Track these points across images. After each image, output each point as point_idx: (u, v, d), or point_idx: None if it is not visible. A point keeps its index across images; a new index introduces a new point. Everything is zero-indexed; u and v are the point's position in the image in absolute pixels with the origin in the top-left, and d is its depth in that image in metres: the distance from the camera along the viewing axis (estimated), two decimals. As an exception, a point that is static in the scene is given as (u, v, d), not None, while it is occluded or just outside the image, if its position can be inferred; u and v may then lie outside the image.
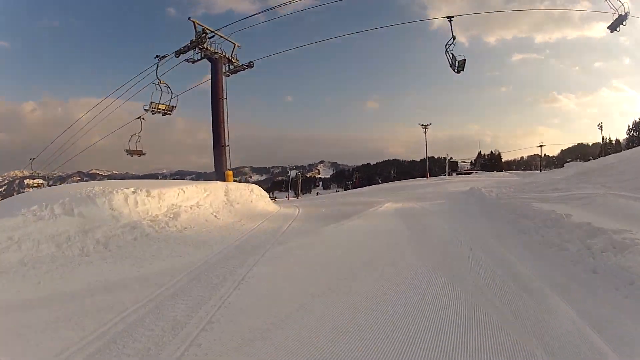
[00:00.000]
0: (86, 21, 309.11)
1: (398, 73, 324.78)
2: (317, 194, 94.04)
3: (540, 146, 76.86)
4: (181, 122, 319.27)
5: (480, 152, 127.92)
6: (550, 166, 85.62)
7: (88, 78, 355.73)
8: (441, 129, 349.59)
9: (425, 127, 61.97)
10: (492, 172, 69.13)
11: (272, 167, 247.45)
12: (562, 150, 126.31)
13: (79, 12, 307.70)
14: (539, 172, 65.86)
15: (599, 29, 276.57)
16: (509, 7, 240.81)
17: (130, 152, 28.05)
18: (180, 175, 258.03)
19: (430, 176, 60.65)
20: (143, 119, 27.55)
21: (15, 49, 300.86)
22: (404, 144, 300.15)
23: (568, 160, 76.31)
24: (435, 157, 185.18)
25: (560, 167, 33.94)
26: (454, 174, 65.99)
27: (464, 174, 61.31)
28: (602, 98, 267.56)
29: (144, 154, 28.48)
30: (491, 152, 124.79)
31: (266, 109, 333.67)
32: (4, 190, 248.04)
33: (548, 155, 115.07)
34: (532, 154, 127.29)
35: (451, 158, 68.96)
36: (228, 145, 25.23)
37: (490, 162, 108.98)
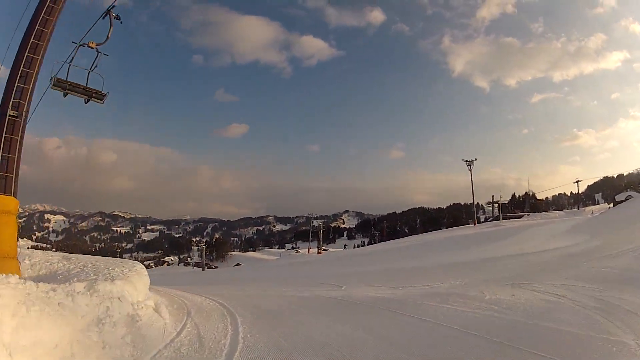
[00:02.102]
0: (113, 61, 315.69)
1: (421, 120, 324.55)
2: (320, 251, 65.97)
3: (577, 182, 73.91)
4: (205, 170, 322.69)
5: (514, 193, 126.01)
6: (580, 204, 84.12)
7: (112, 118, 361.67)
8: (465, 174, 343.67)
9: (470, 163, 57.70)
10: (543, 213, 66.75)
11: (296, 216, 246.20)
12: (588, 185, 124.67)
13: (106, 51, 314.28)
14: (577, 209, 63.47)
15: (614, 59, 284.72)
16: (526, 48, 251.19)
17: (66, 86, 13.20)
18: (203, 222, 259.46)
19: (477, 223, 57.58)
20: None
21: (40, 82, 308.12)
22: (429, 191, 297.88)
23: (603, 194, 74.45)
24: (462, 204, 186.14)
25: (612, 203, 31.92)
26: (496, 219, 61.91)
27: (516, 217, 57.83)
28: (620, 129, 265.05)
29: (101, 96, 14.03)
30: (526, 193, 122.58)
31: (292, 158, 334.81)
32: (24, 222, 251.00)
33: (573, 193, 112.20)
34: (555, 194, 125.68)
35: (500, 197, 64.88)
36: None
37: (529, 204, 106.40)
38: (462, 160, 58.95)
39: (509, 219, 55.71)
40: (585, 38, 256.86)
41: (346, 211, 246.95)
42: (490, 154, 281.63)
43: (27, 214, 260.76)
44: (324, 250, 65.67)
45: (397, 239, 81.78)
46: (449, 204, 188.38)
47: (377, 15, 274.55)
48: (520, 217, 58.63)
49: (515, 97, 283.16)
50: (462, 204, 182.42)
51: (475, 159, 58.14)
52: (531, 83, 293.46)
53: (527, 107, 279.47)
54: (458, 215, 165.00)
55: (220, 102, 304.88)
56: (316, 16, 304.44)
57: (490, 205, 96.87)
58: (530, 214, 67.80)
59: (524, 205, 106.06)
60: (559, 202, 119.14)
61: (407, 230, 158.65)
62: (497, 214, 69.62)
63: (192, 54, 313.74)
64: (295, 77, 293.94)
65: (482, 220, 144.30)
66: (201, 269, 68.33)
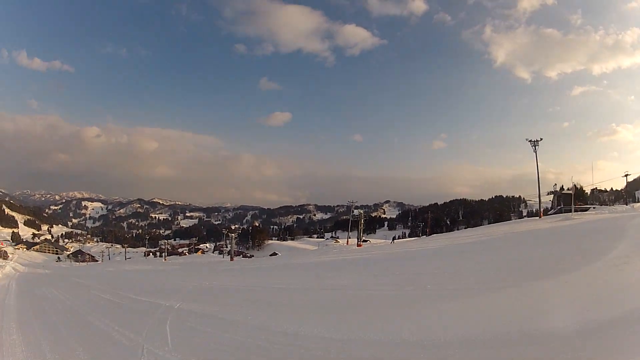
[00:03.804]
0: (153, 52, 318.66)
1: (463, 111, 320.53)
2: (360, 243, 63.37)
3: (626, 175, 67.50)
4: (247, 158, 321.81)
5: (562, 186, 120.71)
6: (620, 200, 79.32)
7: (154, 108, 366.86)
8: (506, 166, 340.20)
9: (535, 143, 50.32)
10: (610, 207, 60.32)
11: (337, 205, 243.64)
12: (627, 182, 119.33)
13: (147, 42, 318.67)
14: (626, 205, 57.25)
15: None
16: (566, 39, 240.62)
17: None
18: (243, 210, 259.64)
19: (543, 215, 50.32)
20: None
21: (79, 74, 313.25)
22: (469, 183, 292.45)
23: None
24: (504, 196, 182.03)
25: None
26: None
27: (581, 210, 50.63)
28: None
29: None
30: (574, 186, 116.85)
31: (334, 148, 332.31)
32: (60, 209, 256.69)
33: (613, 189, 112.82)
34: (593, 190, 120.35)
35: (572, 186, 57.74)
36: None
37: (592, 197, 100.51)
38: (527, 140, 51.58)
39: (580, 211, 48.91)
40: (622, 32, 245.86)
41: (387, 201, 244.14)
42: (530, 147, 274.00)
43: (63, 200, 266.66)
44: (364, 241, 61.32)
45: (443, 232, 76.40)
46: (490, 197, 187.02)
47: (419, 5, 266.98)
48: (586, 209, 51.97)
49: (555, 89, 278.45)
50: (505, 196, 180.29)
51: (541, 139, 51.07)
52: (571, 75, 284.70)
53: (568, 100, 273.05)
54: (499, 208, 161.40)
55: (263, 90, 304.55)
56: (358, 5, 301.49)
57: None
58: (596, 207, 61.21)
59: (578, 198, 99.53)
60: (599, 198, 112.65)
61: (449, 222, 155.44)
62: (543, 206, 64.55)
63: (235, 43, 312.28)
64: (338, 66, 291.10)
65: (524, 214, 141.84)
66: (230, 257, 64.28)
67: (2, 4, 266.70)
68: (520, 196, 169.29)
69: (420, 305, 8.22)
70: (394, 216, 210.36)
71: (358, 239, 60.63)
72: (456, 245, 22.58)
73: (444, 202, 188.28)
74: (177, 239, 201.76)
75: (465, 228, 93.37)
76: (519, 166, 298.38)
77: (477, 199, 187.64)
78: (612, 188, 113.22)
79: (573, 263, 10.43)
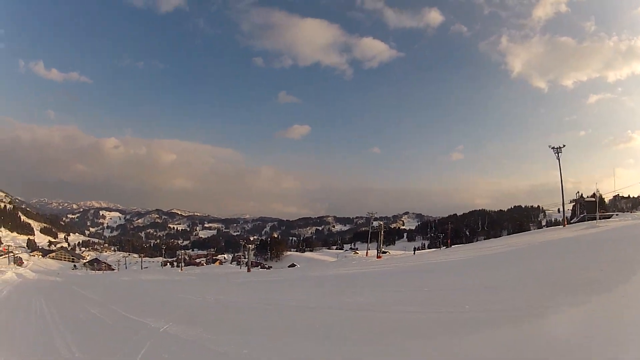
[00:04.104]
0: (170, 65, 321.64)
1: (481, 122, 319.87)
2: (380, 255, 62.66)
3: None
4: (267, 171, 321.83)
5: (581, 194, 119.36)
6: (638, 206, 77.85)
7: (172, 120, 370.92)
8: (523, 177, 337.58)
9: (558, 150, 48.13)
10: (636, 213, 57.97)
11: (356, 217, 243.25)
12: None
13: (164, 56, 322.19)
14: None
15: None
16: (581, 47, 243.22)
17: None
18: (262, 221, 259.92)
19: (567, 224, 48.14)
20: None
21: (97, 86, 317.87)
22: (488, 194, 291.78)
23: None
24: (522, 207, 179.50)
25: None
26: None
27: (604, 218, 48.33)
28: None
29: None
30: (594, 194, 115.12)
31: (353, 160, 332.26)
32: (77, 217, 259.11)
33: (630, 196, 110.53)
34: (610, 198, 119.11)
35: (594, 194, 55.54)
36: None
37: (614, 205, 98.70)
38: (550, 147, 49.71)
39: (594, 219, 46.58)
40: (635, 37, 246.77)
41: (406, 212, 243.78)
42: (548, 157, 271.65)
43: (81, 210, 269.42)
44: (383, 253, 59.43)
45: (463, 243, 74.21)
46: (509, 207, 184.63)
47: (435, 16, 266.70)
48: (609, 217, 49.87)
49: (572, 98, 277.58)
50: (523, 207, 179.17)
51: (564, 145, 49.13)
52: (587, 83, 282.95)
53: (584, 108, 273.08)
54: (519, 218, 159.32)
55: (282, 103, 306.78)
56: (375, 18, 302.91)
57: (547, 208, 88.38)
58: (619, 214, 58.89)
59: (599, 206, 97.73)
60: (618, 206, 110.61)
61: (468, 233, 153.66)
62: (560, 216, 61.89)
63: (253, 57, 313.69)
64: (357, 79, 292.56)
65: (543, 224, 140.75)
66: (247, 269, 63.14)
67: (20, 16, 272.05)
68: (539, 206, 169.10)
69: (463, 333, 6.21)
70: (413, 227, 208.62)
71: (378, 250, 58.90)
72: (484, 257, 20.61)
73: (463, 213, 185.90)
74: (195, 249, 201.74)
75: (484, 239, 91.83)
76: (536, 177, 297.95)
77: (496, 210, 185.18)
78: (629, 195, 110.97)
79: (622, 273, 8.65)
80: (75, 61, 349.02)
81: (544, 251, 18.03)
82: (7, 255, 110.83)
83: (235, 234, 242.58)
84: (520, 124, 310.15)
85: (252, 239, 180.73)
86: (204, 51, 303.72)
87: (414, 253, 53.91)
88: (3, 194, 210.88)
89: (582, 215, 56.65)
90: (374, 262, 37.08)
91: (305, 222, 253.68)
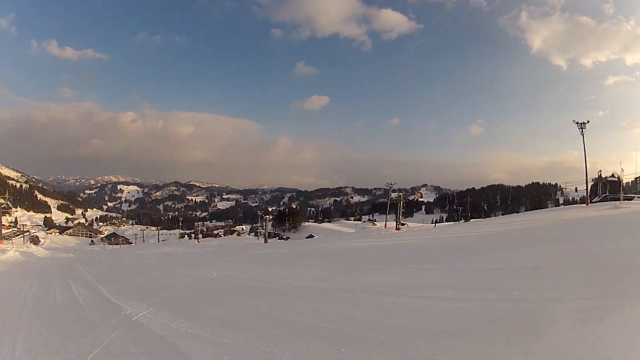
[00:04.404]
0: (188, 38, 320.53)
1: (500, 97, 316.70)
2: (399, 227, 54.71)
3: None
4: (285, 142, 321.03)
5: (600, 174, 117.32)
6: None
7: (190, 93, 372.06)
8: (540, 154, 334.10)
9: (582, 126, 46.67)
10: None
11: (374, 188, 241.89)
12: None
13: (181, 29, 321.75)
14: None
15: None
16: (600, 28, 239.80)
17: None
18: (280, 192, 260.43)
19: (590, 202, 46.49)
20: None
21: (113, 62, 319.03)
22: (506, 169, 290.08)
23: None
24: (540, 183, 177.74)
25: None
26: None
27: (628, 199, 46.32)
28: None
29: None
30: (612, 174, 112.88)
31: (372, 131, 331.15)
32: (95, 193, 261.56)
33: None
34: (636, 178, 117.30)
35: (618, 173, 53.39)
36: None
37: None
38: (573, 121, 48.28)
39: (617, 200, 44.73)
40: None
41: (424, 185, 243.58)
42: (567, 135, 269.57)
43: (98, 185, 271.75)
44: (401, 225, 58.37)
45: (481, 218, 72.29)
46: (526, 183, 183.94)
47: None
48: (631, 199, 48.08)
49: (591, 77, 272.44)
50: (541, 183, 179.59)
51: (588, 122, 47.77)
52: (605, 64, 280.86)
53: (602, 89, 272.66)
54: (537, 194, 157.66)
55: (300, 74, 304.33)
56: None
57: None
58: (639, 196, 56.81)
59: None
60: (636, 188, 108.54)
61: (486, 208, 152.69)
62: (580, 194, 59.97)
63: (270, 28, 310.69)
64: (375, 50, 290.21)
65: (560, 202, 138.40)
66: (264, 240, 62.63)
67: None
68: (556, 184, 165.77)
69: (533, 334, 4.44)
70: (431, 200, 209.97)
71: (397, 222, 57.86)
72: (509, 232, 18.98)
73: (482, 187, 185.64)
74: (213, 220, 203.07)
75: (502, 214, 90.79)
76: (553, 154, 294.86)
77: (514, 185, 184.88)
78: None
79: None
80: (90, 38, 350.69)
81: (578, 230, 16.33)
82: (22, 235, 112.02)
83: (253, 205, 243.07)
84: (539, 101, 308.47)
85: (270, 209, 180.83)
86: (221, 24, 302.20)
87: (435, 226, 52.49)
88: (19, 174, 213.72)
89: (603, 195, 54.75)
90: (393, 234, 36.12)
91: (324, 192, 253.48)
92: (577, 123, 47.49)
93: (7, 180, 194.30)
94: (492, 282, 7.38)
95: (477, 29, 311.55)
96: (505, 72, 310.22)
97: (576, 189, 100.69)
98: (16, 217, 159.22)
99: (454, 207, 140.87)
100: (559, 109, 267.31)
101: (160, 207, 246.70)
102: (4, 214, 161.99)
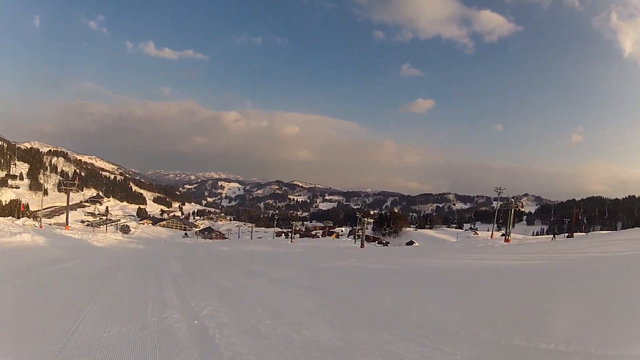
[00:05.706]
0: (290, 40, 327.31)
1: (598, 104, 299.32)
2: (509, 238, 50.30)
3: None
4: (389, 144, 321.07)
5: None
6: None
7: (293, 93, 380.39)
8: (635, 166, 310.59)
9: None
10: None
11: (477, 196, 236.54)
12: None
13: (282, 31, 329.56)
14: None
15: None
16: None
17: None
18: (383, 196, 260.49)
19: None
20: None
21: (214, 62, 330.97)
22: (603, 181, 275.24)
23: None
24: (636, 197, 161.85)
25: None
26: None
27: None
28: None
29: None
30: None
31: (475, 136, 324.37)
32: (195, 188, 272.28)
33: None
34: None
35: None
36: None
37: None
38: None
39: None
40: None
41: (525, 194, 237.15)
42: None
43: (199, 180, 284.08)
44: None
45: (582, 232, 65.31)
46: (623, 197, 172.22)
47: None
48: None
49: None
50: (637, 197, 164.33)
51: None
52: None
53: None
54: (632, 208, 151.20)
55: (404, 77, 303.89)
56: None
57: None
58: None
59: None
60: None
61: (585, 221, 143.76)
62: None
63: (372, 30, 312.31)
64: (478, 53, 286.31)
65: None
66: (361, 244, 61.07)
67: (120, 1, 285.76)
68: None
69: None
70: (532, 211, 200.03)
71: (506, 232, 54.46)
72: None
73: (582, 199, 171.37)
74: (313, 221, 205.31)
75: (600, 229, 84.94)
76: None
77: (612, 198, 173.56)
78: None
79: None
80: (189, 40, 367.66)
81: None
82: (115, 223, 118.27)
83: (355, 207, 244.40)
84: (635, 108, 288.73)
85: (372, 212, 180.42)
86: (322, 25, 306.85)
87: (553, 238, 45.63)
88: (115, 166, 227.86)
89: None
90: (505, 247, 31.64)
91: (426, 198, 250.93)
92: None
93: (102, 172, 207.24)
94: None
95: (572, 31, 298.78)
96: (600, 76, 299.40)
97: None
98: (107, 207, 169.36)
99: (558, 218, 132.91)
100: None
101: (261, 204, 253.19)
102: (93, 202, 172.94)
